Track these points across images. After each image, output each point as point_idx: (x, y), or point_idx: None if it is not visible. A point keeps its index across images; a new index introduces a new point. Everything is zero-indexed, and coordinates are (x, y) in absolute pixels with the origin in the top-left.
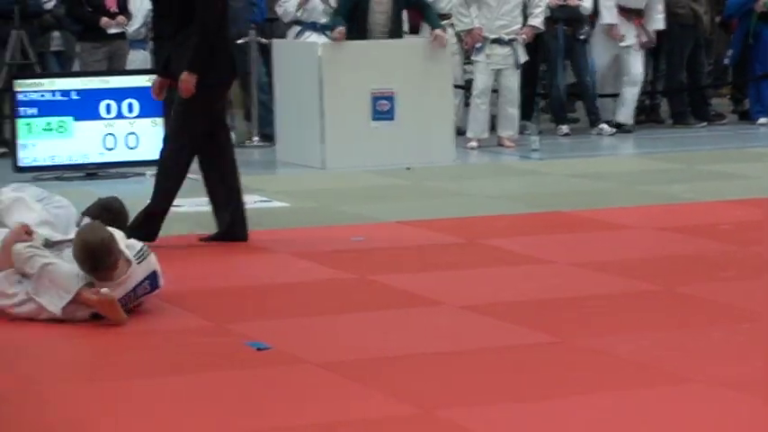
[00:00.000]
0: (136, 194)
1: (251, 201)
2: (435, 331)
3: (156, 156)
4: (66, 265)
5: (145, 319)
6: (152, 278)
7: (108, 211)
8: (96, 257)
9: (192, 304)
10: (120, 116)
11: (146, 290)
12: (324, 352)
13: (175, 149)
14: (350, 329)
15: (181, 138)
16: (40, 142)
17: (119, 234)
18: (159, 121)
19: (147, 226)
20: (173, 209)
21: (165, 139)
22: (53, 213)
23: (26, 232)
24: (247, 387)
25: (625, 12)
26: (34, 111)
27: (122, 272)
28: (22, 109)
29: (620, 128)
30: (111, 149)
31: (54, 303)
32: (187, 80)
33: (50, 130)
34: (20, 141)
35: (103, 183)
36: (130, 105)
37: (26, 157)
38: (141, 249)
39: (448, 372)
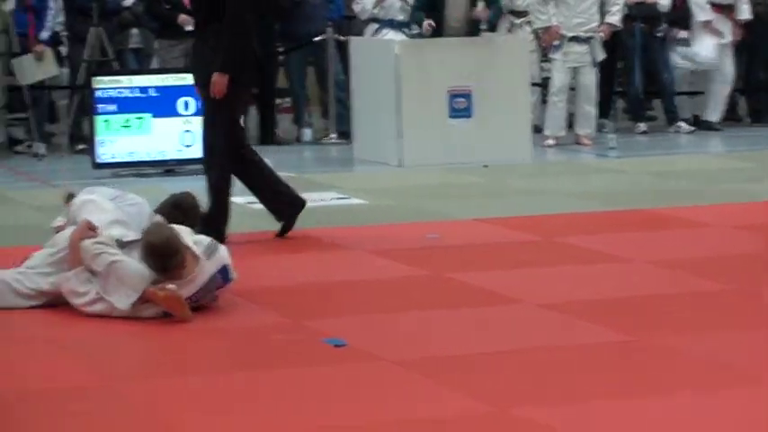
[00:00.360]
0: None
1: (328, 198)
2: (512, 329)
3: None
4: (134, 263)
5: (221, 315)
6: (223, 272)
7: (179, 208)
8: (163, 258)
9: (268, 301)
10: (198, 113)
11: (219, 284)
12: (399, 349)
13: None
14: (426, 327)
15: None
16: (118, 139)
17: (185, 231)
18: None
19: (215, 225)
20: (247, 204)
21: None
22: (126, 212)
23: (90, 228)
24: (323, 384)
25: (718, 7)
26: (112, 108)
27: (191, 269)
28: (100, 106)
29: (708, 126)
30: (188, 146)
31: (122, 301)
32: (220, 81)
33: (129, 126)
34: (98, 138)
35: (181, 180)
36: (186, 103)
37: (104, 153)
38: (210, 244)
39: (524, 370)
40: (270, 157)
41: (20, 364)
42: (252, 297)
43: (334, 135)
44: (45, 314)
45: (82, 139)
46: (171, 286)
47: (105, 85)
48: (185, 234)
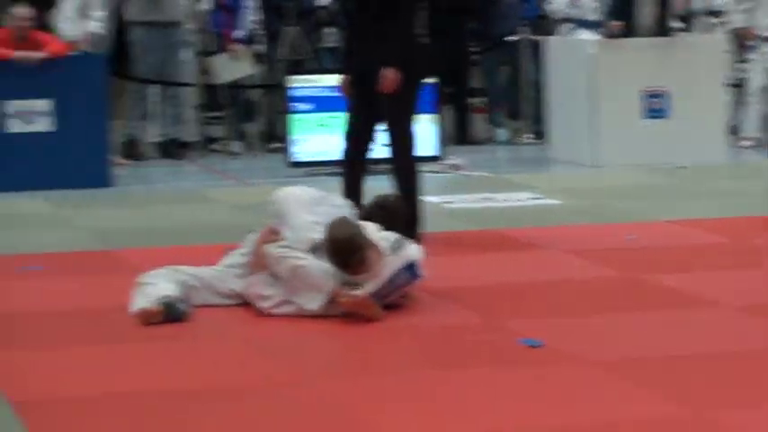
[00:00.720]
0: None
1: (523, 198)
2: (711, 332)
3: (431, 152)
4: (318, 264)
5: (414, 313)
6: (410, 269)
7: (382, 209)
8: (345, 253)
9: (462, 300)
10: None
11: (404, 281)
12: (596, 350)
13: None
14: (621, 328)
15: (408, 134)
16: (312, 138)
17: (372, 227)
18: (434, 117)
19: (414, 226)
20: (442, 204)
21: (397, 142)
22: (330, 214)
23: (272, 232)
24: (518, 384)
25: None
26: (307, 106)
27: (374, 264)
28: (295, 105)
29: None
30: (385, 145)
31: (311, 303)
32: (392, 76)
33: (323, 125)
34: (293, 137)
35: (377, 179)
36: None
37: (299, 152)
38: (397, 240)
39: (723, 374)
40: (464, 156)
41: (210, 361)
42: (446, 296)
43: (527, 135)
44: (236, 312)
45: (276, 138)
46: (356, 291)
47: (300, 83)
48: (372, 230)
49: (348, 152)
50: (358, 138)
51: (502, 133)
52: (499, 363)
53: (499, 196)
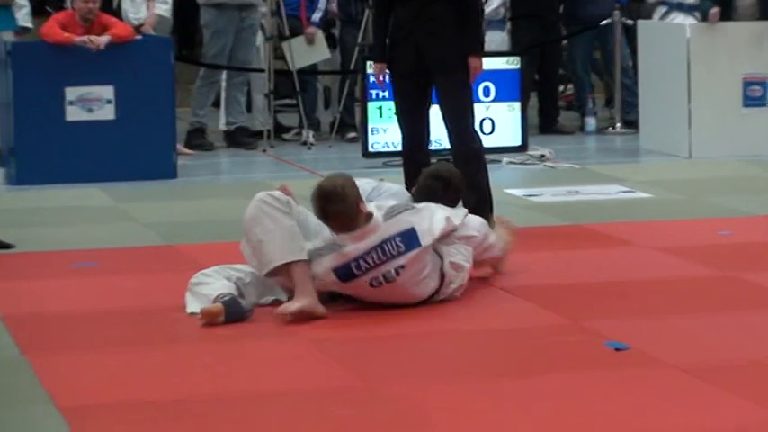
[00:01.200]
0: (492, 182)
1: (612, 191)
2: None
3: (515, 142)
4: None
5: (492, 314)
6: (407, 236)
7: (437, 179)
8: (323, 200)
9: (545, 299)
10: (475, 100)
11: (398, 249)
12: (685, 354)
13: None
14: (714, 331)
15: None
16: (390, 127)
17: (368, 184)
18: (516, 105)
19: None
20: (525, 197)
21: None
22: (386, 197)
23: None
24: (604, 388)
25: None
26: (386, 94)
27: (357, 224)
28: (373, 92)
29: None
30: (448, 134)
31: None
32: (479, 65)
33: None
34: (370, 125)
35: None
36: (486, 89)
37: (376, 141)
38: (394, 207)
39: None
40: (551, 146)
41: (281, 363)
42: (528, 295)
43: (619, 124)
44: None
45: (352, 127)
46: (292, 306)
47: None
48: (367, 188)
49: (407, 144)
50: (414, 129)
51: (591, 123)
52: (583, 367)
53: (587, 189)
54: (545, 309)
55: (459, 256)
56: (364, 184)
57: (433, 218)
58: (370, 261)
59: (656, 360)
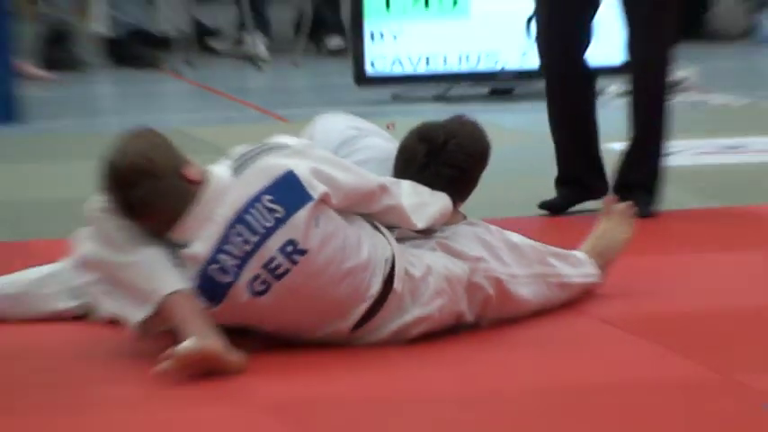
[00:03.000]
0: None
1: None
2: None
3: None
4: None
5: (609, 363)
6: (281, 187)
7: (427, 142)
8: (124, 185)
9: (676, 338)
10: None
11: (272, 213)
12: None
13: None
14: None
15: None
16: (406, 28)
17: (337, 134)
18: None
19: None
20: None
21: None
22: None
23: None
24: None
25: None
26: None
27: (193, 200)
28: None
29: None
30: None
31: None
32: None
33: None
34: (367, 27)
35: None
36: None
37: (380, 55)
38: (245, 154)
39: None
40: (697, 64)
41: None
42: (647, 331)
43: None
44: None
45: (336, 28)
46: (186, 344)
47: None
48: (335, 141)
49: (552, 65)
50: (565, 40)
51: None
52: None
53: (756, 143)
54: (677, 354)
55: (446, 261)
56: (330, 132)
57: (343, 163)
58: (234, 250)
59: None
